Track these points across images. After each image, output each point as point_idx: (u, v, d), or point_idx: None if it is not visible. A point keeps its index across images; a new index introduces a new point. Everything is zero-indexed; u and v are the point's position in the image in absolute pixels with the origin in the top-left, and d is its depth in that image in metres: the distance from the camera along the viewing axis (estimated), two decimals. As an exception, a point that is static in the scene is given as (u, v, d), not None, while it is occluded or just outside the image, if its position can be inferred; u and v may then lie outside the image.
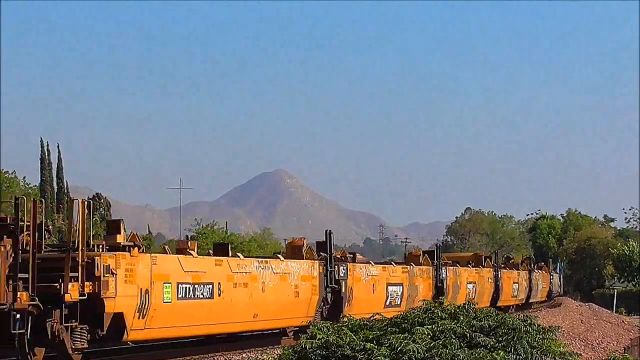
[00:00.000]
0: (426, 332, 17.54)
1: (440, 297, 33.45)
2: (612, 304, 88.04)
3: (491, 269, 55.59)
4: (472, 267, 52.03)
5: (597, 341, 48.51)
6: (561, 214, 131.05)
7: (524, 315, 20.16)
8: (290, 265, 29.43)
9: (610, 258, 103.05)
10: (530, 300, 70.76)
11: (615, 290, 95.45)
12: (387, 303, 36.19)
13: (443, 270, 43.11)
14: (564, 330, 45.80)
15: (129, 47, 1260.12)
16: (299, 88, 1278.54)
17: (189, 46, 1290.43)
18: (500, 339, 17.76)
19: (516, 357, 17.01)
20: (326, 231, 32.04)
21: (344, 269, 32.51)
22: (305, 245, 31.43)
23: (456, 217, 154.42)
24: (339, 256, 33.34)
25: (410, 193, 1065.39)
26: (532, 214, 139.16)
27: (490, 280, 54.76)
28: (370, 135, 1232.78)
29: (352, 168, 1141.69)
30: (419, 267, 40.91)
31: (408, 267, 39.68)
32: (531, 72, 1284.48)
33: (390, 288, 36.57)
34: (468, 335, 17.67)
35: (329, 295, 31.90)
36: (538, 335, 18.17)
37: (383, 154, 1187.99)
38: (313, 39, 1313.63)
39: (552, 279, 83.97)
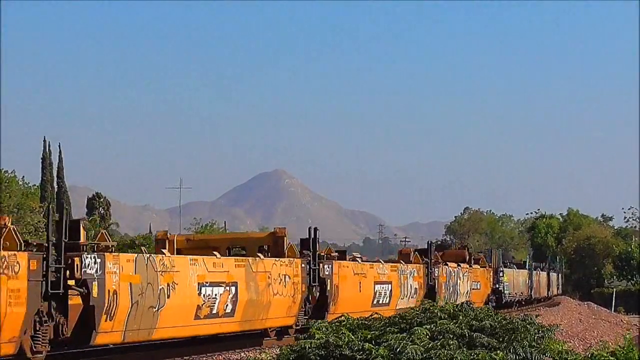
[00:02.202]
0: (425, 333, 17.58)
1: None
2: (611, 303, 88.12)
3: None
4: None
5: (596, 340, 48.50)
6: (560, 214, 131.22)
7: (523, 314, 20.21)
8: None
9: (610, 257, 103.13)
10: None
11: (614, 290, 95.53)
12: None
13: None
14: (562, 330, 45.88)
15: (129, 47, 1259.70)
16: (298, 88, 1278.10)
17: (189, 46, 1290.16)
18: (500, 339, 17.81)
19: (515, 356, 17.05)
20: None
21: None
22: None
23: (455, 217, 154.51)
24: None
25: (409, 193, 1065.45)
26: (531, 213, 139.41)
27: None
28: (370, 135, 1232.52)
29: (351, 168, 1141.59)
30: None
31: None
32: (531, 71, 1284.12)
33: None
34: (467, 335, 17.72)
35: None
36: (537, 334, 18.22)
37: (383, 154, 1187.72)
38: (313, 39, 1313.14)
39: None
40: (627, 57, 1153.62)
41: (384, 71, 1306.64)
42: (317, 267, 30.56)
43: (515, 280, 64.20)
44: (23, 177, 73.33)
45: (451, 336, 17.51)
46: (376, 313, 21.27)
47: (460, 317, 19.00)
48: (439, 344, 17.12)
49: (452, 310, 19.79)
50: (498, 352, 16.93)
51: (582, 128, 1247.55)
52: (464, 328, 18.01)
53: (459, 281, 45.48)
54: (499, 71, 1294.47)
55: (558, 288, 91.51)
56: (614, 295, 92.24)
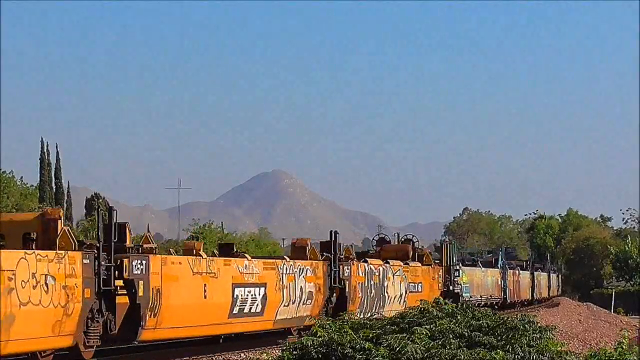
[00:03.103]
0: (425, 332, 17.63)
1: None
2: (611, 303, 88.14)
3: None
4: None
5: (595, 341, 48.55)
6: (559, 214, 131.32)
7: (522, 314, 20.23)
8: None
9: (609, 257, 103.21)
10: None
11: (613, 290, 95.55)
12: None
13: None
14: (562, 330, 45.92)
15: (128, 47, 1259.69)
16: (297, 88, 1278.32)
17: (189, 46, 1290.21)
18: (499, 337, 17.86)
19: (514, 356, 17.08)
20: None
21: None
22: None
23: (454, 217, 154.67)
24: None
25: (408, 193, 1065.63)
26: (530, 214, 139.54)
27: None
28: (368, 136, 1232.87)
29: (350, 168, 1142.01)
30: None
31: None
32: (530, 72, 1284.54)
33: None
34: (467, 334, 17.76)
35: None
36: (535, 334, 18.25)
37: (382, 155, 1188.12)
38: (312, 39, 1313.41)
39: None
40: (627, 57, 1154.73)
41: (383, 71, 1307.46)
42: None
43: (480, 281, 55.50)
44: (22, 177, 73.46)
45: (451, 336, 17.56)
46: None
47: (459, 317, 19.07)
48: (439, 343, 17.16)
49: (451, 310, 19.88)
50: (498, 351, 16.97)
51: (582, 128, 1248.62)
52: (463, 328, 18.06)
53: (387, 283, 36.17)
54: (498, 71, 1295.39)
55: (550, 289, 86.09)
56: (613, 296, 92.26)
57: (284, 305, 28.82)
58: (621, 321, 68.39)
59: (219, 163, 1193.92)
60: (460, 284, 48.50)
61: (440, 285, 44.35)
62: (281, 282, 28.51)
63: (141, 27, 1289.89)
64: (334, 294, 32.13)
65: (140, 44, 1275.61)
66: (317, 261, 31.08)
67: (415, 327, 17.94)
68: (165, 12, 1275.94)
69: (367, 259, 36.43)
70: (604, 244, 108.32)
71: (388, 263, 37.31)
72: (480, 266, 59.00)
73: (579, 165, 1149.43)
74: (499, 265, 64.27)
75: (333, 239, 31.90)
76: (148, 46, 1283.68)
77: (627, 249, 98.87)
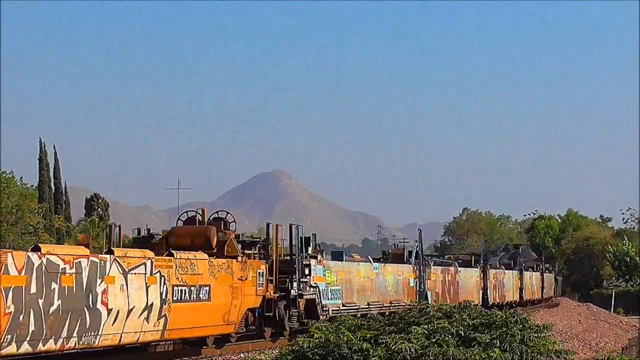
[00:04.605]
0: (421, 332, 17.65)
1: None
2: (610, 304, 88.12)
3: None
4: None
5: (595, 341, 48.58)
6: (559, 214, 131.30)
7: (509, 312, 20.17)
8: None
9: (607, 258, 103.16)
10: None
11: (613, 291, 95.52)
12: None
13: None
14: (562, 330, 45.93)
15: (128, 47, 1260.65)
16: (297, 88, 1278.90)
17: (188, 46, 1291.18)
18: (492, 334, 17.88)
19: (512, 355, 17.09)
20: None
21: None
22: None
23: (454, 218, 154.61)
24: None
25: (408, 193, 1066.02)
26: (529, 214, 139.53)
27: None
28: (368, 136, 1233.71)
29: (350, 168, 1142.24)
30: None
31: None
32: (529, 72, 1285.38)
33: None
34: (463, 333, 17.79)
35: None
36: (532, 334, 18.27)
37: (381, 155, 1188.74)
38: (312, 39, 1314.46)
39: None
40: (627, 57, 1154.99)
41: (383, 71, 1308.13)
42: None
43: (373, 280, 40.31)
44: (21, 177, 73.45)
45: (447, 335, 17.59)
46: None
47: (456, 316, 19.11)
48: (434, 341, 17.20)
49: (448, 310, 19.94)
50: (495, 349, 16.98)
51: (582, 128, 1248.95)
52: (459, 327, 18.09)
53: (104, 287, 22.29)
54: (498, 71, 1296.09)
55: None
56: (613, 296, 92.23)
57: None
58: (621, 321, 68.44)
59: (219, 163, 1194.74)
60: (317, 285, 33.29)
61: (262, 287, 29.46)
62: None
63: (141, 26, 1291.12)
64: None
65: (140, 43, 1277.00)
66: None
67: (412, 327, 17.97)
68: (165, 12, 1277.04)
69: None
70: (603, 244, 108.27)
71: (112, 254, 23.03)
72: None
73: (579, 165, 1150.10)
74: (411, 259, 50.02)
75: None
76: (148, 46, 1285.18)
77: (625, 249, 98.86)
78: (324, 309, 33.65)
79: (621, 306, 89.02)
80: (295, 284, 31.54)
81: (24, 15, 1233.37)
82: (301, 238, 32.74)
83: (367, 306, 38.23)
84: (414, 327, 17.93)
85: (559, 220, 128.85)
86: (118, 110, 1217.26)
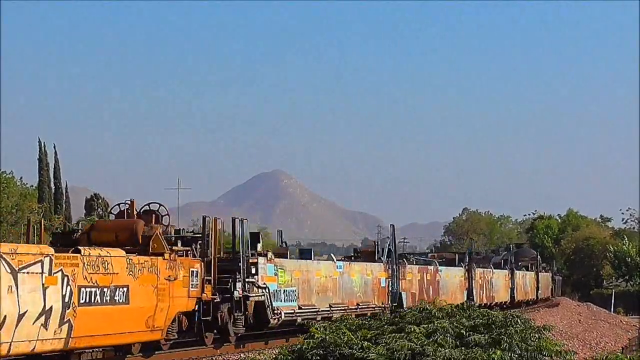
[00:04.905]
0: (421, 332, 17.65)
1: None
2: (610, 304, 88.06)
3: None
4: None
5: (595, 341, 48.50)
6: (559, 214, 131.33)
7: (507, 312, 20.11)
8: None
9: (607, 257, 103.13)
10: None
11: (613, 290, 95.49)
12: None
13: None
14: (562, 330, 45.88)
15: (128, 47, 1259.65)
16: (297, 89, 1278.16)
17: (188, 47, 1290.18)
18: (492, 334, 17.88)
19: (511, 355, 17.07)
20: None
21: None
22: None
23: (454, 218, 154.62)
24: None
25: (408, 193, 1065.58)
26: (529, 214, 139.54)
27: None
28: (368, 136, 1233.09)
29: (350, 169, 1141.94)
30: None
31: None
32: (529, 72, 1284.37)
33: None
34: (464, 333, 17.77)
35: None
36: (533, 334, 18.25)
37: (381, 155, 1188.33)
38: (312, 39, 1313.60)
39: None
40: (627, 57, 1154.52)
41: (383, 71, 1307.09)
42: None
43: (336, 280, 36.14)
44: (21, 177, 73.48)
45: (447, 335, 17.58)
46: None
47: (457, 316, 19.10)
48: (433, 340, 17.19)
49: (449, 310, 19.92)
50: (496, 350, 16.96)
51: (582, 129, 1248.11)
52: (459, 326, 18.08)
53: None
54: (498, 71, 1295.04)
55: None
56: (613, 296, 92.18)
57: None
58: (621, 321, 68.38)
59: (219, 163, 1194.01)
60: (266, 286, 29.78)
61: (197, 288, 25.98)
62: None
63: (141, 26, 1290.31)
64: None
65: (140, 43, 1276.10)
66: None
67: (412, 327, 17.96)
68: (165, 11, 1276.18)
69: None
70: (603, 244, 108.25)
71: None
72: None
73: (579, 165, 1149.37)
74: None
75: None
76: (148, 46, 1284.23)
77: (625, 248, 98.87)
78: (275, 312, 30.11)
79: (621, 306, 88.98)
80: (239, 285, 27.97)
81: (24, 15, 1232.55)
82: (251, 234, 29.96)
83: (328, 308, 34.25)
84: (414, 326, 17.92)
85: (559, 220, 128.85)
86: (118, 110, 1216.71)
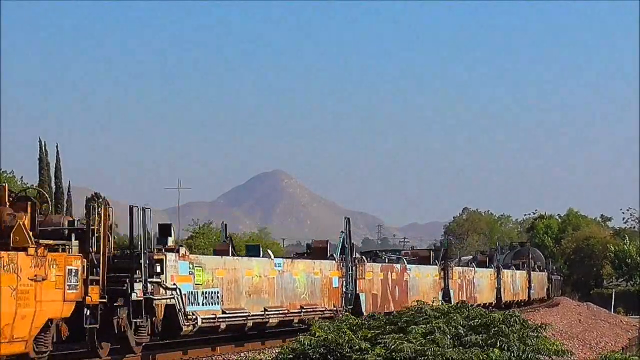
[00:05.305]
0: (420, 332, 17.67)
1: None
2: (610, 303, 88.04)
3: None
4: None
5: (595, 341, 48.57)
6: (559, 214, 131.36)
7: (505, 312, 20.13)
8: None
9: (608, 257, 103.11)
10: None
11: (613, 290, 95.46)
12: None
13: None
14: (562, 330, 45.90)
15: (128, 47, 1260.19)
16: (297, 88, 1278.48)
17: (188, 46, 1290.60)
18: (490, 334, 17.90)
19: (509, 355, 17.10)
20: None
21: None
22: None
23: (454, 217, 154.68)
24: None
25: (408, 193, 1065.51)
26: (529, 214, 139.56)
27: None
28: (368, 136, 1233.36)
29: (350, 168, 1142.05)
30: None
31: None
32: (530, 72, 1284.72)
33: None
34: (463, 333, 17.80)
35: None
36: (531, 333, 18.27)
37: (381, 155, 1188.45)
38: (311, 39, 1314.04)
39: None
40: (627, 57, 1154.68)
41: (383, 71, 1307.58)
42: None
43: (274, 279, 31.35)
44: (21, 177, 73.43)
45: (445, 335, 17.61)
46: None
47: (457, 316, 19.12)
48: (431, 339, 17.22)
49: (446, 310, 19.96)
50: (495, 350, 16.99)
51: (582, 129, 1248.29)
52: (457, 326, 18.11)
53: None
54: (498, 71, 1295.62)
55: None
56: (613, 296, 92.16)
57: None
58: (621, 321, 68.43)
59: (219, 163, 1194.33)
60: (176, 287, 25.01)
61: (76, 290, 21.29)
62: None
63: (141, 26, 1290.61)
64: None
65: (140, 43, 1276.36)
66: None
67: (411, 327, 17.98)
68: (165, 11, 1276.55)
69: None
70: (604, 244, 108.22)
71: None
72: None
73: (579, 165, 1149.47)
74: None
75: None
76: (148, 46, 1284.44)
77: (625, 248, 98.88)
78: (189, 317, 25.29)
79: (621, 306, 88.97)
80: (138, 285, 23.16)
81: (24, 15, 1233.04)
82: (161, 225, 26.03)
83: (262, 313, 29.49)
84: (413, 327, 17.94)
85: (559, 219, 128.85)
86: (118, 110, 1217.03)
